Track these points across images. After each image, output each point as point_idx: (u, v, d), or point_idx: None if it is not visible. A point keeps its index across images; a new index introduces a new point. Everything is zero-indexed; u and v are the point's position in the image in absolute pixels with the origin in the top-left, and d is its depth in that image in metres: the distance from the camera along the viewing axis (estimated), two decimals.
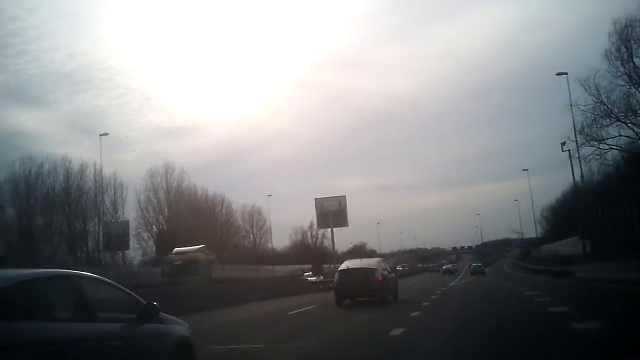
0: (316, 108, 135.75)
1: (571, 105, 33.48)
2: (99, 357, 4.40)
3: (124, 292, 5.23)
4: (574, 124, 33.38)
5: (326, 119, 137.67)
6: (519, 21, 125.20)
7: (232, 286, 30.71)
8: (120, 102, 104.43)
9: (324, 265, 58.79)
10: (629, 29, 30.53)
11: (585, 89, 32.87)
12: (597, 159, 34.55)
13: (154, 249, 59.56)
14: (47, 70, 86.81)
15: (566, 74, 34.53)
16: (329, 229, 48.95)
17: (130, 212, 56.52)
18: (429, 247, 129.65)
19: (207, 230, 60.04)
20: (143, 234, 59.25)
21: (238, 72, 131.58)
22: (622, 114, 31.99)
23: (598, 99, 32.40)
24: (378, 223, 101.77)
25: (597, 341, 7.40)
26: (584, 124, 33.33)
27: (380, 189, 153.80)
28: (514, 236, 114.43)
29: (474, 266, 62.64)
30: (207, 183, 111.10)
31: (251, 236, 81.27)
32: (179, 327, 5.83)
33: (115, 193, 55.26)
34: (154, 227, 60.87)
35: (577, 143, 33.41)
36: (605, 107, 32.25)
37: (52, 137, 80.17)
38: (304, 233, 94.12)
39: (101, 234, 48.36)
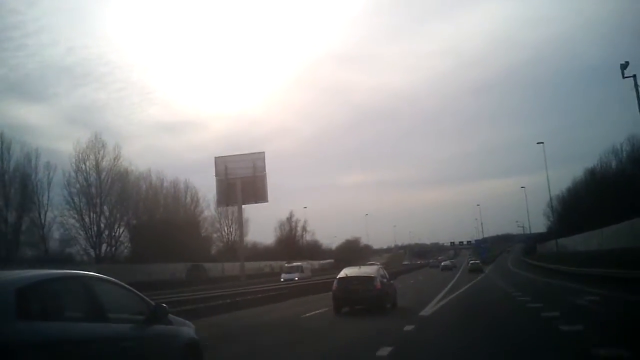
0: (316, 103, 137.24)
1: None
2: (110, 357, 4.46)
3: (133, 293, 5.29)
4: None
5: (325, 114, 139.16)
6: (518, 18, 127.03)
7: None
8: (120, 96, 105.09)
9: (302, 263, 54.78)
10: None
11: None
12: None
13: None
14: (47, 64, 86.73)
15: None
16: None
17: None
18: (428, 243, 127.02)
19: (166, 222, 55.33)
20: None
21: (238, 67, 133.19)
22: None
23: None
24: (366, 214, 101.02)
25: None
26: None
27: (379, 184, 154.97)
28: (515, 231, 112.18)
29: (471, 264, 60.40)
30: (205, 178, 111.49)
31: (226, 228, 75.40)
32: (187, 328, 5.90)
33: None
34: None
35: None
36: None
37: (53, 131, 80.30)
38: (281, 224, 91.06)
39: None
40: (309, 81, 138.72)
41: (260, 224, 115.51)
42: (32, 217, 46.57)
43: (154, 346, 5.16)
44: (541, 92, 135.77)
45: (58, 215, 47.96)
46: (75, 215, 49.12)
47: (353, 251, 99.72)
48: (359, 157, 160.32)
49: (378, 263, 46.36)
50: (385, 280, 16.88)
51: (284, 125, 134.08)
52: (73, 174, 49.24)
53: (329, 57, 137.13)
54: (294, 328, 13.18)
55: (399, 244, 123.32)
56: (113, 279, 5.16)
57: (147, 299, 5.40)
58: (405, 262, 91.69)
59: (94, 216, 50.42)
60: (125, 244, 54.77)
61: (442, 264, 71.30)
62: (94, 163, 50.81)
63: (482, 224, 77.15)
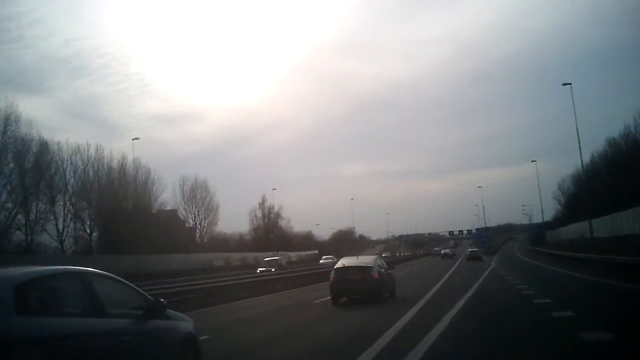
0: (314, 94, 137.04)
1: None
2: (109, 352, 4.51)
3: (131, 288, 5.34)
4: None
5: (324, 104, 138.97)
6: (518, 5, 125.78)
7: None
8: (117, 89, 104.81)
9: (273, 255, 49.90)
10: None
11: None
12: None
13: None
14: (43, 56, 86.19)
15: None
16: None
17: None
18: (425, 233, 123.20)
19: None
20: None
21: (236, 58, 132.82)
22: None
23: None
24: (352, 199, 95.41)
25: None
26: None
27: (377, 174, 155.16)
28: (517, 221, 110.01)
29: (470, 252, 60.16)
30: (205, 170, 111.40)
31: (191, 215, 69.64)
32: (185, 323, 5.95)
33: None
34: None
35: None
36: None
37: (50, 123, 79.89)
38: (251, 212, 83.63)
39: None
40: (307, 71, 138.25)
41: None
42: None
43: (152, 341, 5.21)
44: (541, 80, 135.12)
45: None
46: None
47: (346, 242, 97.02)
48: (357, 147, 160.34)
49: (376, 253, 46.68)
50: (383, 270, 16.93)
51: (282, 116, 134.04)
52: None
53: (327, 46, 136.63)
54: None
55: (397, 234, 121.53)
56: (111, 275, 5.20)
57: (145, 293, 5.45)
58: (401, 253, 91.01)
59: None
60: (91, 235, 50.60)
61: (442, 252, 74.68)
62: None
63: (483, 207, 71.41)
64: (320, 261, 51.33)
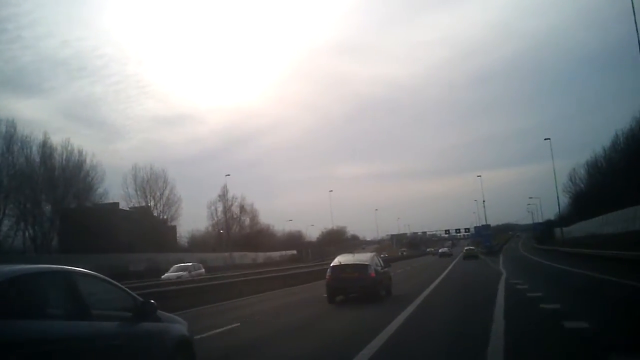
0: (313, 95, 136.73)
1: None
2: (94, 356, 4.20)
3: (120, 289, 5.02)
4: None
5: (323, 105, 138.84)
6: (517, 7, 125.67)
7: None
8: (116, 90, 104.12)
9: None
10: None
11: None
12: None
13: None
14: (42, 57, 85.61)
15: None
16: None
17: None
18: (419, 232, 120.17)
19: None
20: None
21: (235, 59, 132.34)
22: None
23: None
24: (330, 190, 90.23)
25: None
26: None
27: (377, 176, 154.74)
28: (515, 221, 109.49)
29: (466, 249, 58.30)
30: (206, 171, 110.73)
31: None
32: (178, 325, 5.63)
33: None
34: None
35: None
36: None
37: (49, 124, 78.94)
38: (210, 206, 72.89)
39: None
40: (306, 72, 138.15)
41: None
42: None
43: (142, 345, 4.89)
44: (541, 81, 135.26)
45: None
46: None
47: (334, 242, 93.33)
48: (356, 148, 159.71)
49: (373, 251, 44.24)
50: (379, 268, 16.70)
51: (282, 117, 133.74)
52: None
53: (327, 48, 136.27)
54: None
55: (394, 233, 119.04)
56: (98, 274, 4.88)
57: (134, 294, 5.13)
58: (402, 253, 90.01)
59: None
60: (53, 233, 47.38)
61: (440, 250, 75.71)
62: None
63: (484, 201, 65.83)
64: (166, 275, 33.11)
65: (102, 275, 4.92)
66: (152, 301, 5.12)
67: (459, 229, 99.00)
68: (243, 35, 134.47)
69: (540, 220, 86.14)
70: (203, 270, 35.09)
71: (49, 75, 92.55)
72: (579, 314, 10.05)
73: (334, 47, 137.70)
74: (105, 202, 54.52)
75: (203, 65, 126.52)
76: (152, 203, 61.90)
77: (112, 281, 5.00)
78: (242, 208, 77.87)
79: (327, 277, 16.46)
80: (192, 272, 32.12)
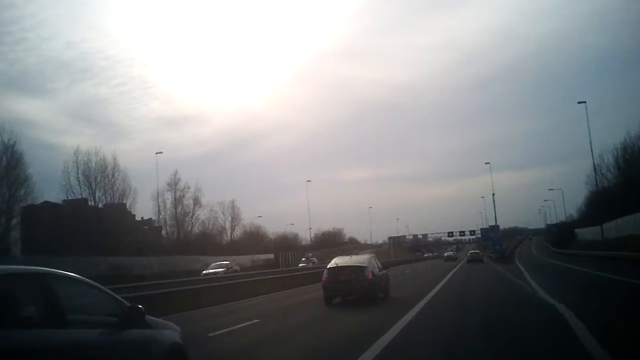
0: (318, 98, 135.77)
1: None
2: None
3: (104, 292, 4.51)
4: None
5: (327, 109, 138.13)
6: (521, 11, 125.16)
7: None
8: (120, 91, 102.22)
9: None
10: None
11: None
12: None
13: None
14: (46, 59, 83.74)
15: None
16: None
17: None
18: (419, 235, 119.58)
19: None
20: None
21: (239, 62, 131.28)
22: None
23: None
24: (308, 181, 76.58)
25: None
26: None
27: (380, 179, 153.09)
28: (522, 225, 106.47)
29: (471, 253, 55.98)
30: (210, 174, 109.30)
31: (91, 204, 50.26)
32: (170, 332, 5.12)
33: None
34: None
35: None
36: None
37: (54, 126, 77.60)
38: (154, 196, 56.18)
39: None
40: (310, 76, 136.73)
41: None
42: None
43: (128, 354, 4.39)
44: (544, 86, 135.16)
45: None
46: None
47: (326, 245, 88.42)
48: (359, 152, 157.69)
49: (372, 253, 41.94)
50: (377, 270, 16.34)
51: (285, 120, 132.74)
52: None
53: (331, 51, 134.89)
54: None
55: (392, 235, 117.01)
56: (79, 277, 4.37)
57: (120, 298, 4.63)
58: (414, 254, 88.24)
59: None
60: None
61: (445, 254, 74.88)
62: None
63: (493, 195, 57.11)
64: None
65: (83, 278, 4.41)
66: (140, 306, 4.64)
67: (464, 231, 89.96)
68: (248, 38, 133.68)
69: (551, 223, 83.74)
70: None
71: (53, 76, 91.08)
72: None
73: (338, 50, 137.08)
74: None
75: (207, 67, 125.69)
76: (98, 194, 51.06)
77: (96, 284, 4.49)
78: (196, 200, 62.25)
79: (323, 278, 16.17)
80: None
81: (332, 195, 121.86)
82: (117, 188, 51.82)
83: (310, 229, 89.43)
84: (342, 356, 7.56)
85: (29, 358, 3.37)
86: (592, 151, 41.21)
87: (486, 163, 56.53)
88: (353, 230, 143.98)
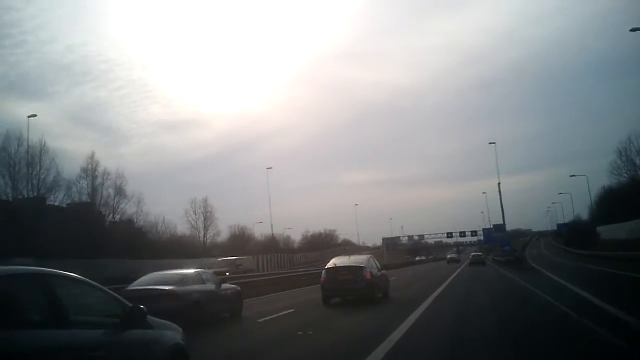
0: (318, 101, 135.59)
1: None
2: None
3: (105, 293, 4.49)
4: None
5: (328, 112, 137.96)
6: (522, 12, 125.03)
7: None
8: (120, 95, 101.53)
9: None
10: None
11: None
12: None
13: None
14: (46, 62, 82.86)
15: None
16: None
17: None
18: (415, 236, 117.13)
19: None
20: None
21: (239, 65, 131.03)
22: None
23: None
24: (269, 168, 64.36)
25: None
26: None
27: (380, 182, 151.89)
28: (525, 227, 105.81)
29: (473, 255, 55.56)
30: (211, 177, 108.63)
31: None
32: (171, 332, 5.10)
33: None
34: None
35: None
36: None
37: (54, 129, 76.62)
38: (68, 184, 45.83)
39: None
40: (311, 79, 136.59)
41: None
42: None
43: (131, 354, 4.38)
44: (546, 88, 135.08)
45: None
46: None
47: (316, 247, 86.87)
48: (360, 154, 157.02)
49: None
50: (375, 270, 16.34)
51: (286, 123, 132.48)
52: None
53: (331, 54, 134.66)
54: None
55: (386, 236, 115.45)
56: (80, 277, 4.34)
57: (121, 299, 4.60)
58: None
59: None
60: None
61: (448, 256, 73.64)
62: None
63: (499, 184, 46.60)
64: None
65: (83, 278, 4.38)
66: (142, 306, 4.61)
67: (464, 232, 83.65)
68: (248, 41, 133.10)
69: (562, 223, 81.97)
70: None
71: (53, 79, 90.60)
72: None
73: (339, 53, 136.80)
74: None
75: (208, 70, 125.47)
76: (22, 185, 41.76)
77: (97, 284, 4.47)
78: (118, 190, 51.47)
79: (321, 279, 16.16)
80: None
81: (331, 197, 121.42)
82: (43, 178, 42.18)
83: (260, 222, 79.77)
84: None
85: (30, 359, 3.34)
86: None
87: (490, 143, 51.80)
88: (351, 232, 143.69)
